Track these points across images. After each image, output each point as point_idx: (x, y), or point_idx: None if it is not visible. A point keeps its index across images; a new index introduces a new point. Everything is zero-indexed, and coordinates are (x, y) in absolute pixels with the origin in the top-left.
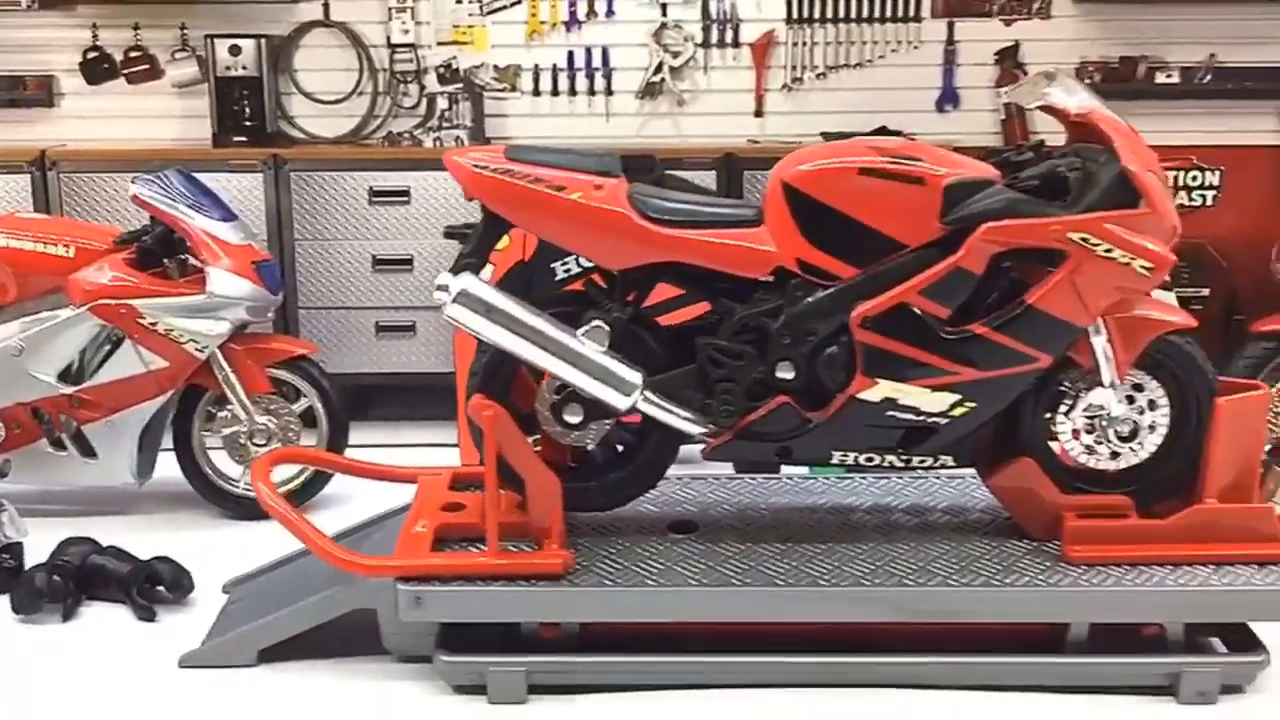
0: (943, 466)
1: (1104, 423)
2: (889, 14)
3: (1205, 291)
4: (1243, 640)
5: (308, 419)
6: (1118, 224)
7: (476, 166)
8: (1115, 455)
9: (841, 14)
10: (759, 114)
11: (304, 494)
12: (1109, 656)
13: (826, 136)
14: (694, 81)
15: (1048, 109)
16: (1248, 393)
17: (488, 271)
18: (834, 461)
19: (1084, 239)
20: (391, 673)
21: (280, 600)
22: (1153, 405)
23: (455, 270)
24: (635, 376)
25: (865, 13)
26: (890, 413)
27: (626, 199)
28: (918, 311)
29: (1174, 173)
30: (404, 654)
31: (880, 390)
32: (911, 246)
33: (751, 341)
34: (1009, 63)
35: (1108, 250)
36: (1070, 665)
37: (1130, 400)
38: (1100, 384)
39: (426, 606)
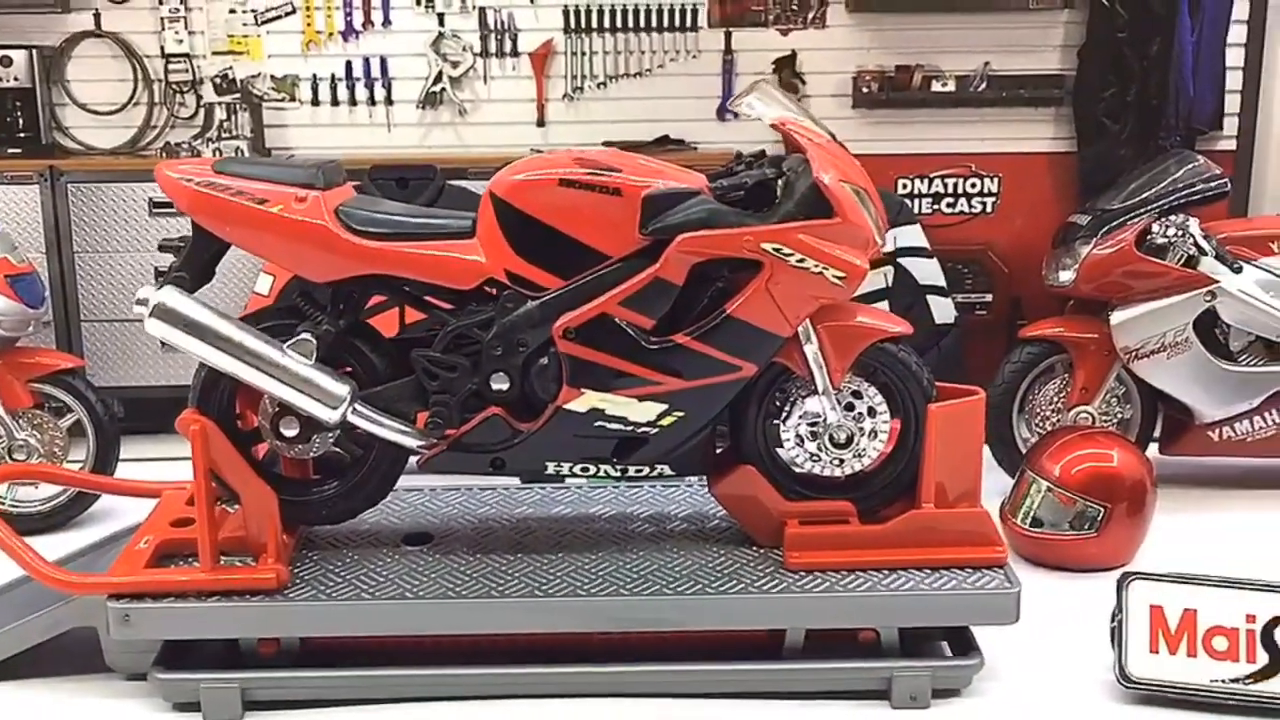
0: (660, 476)
1: (820, 430)
2: (666, 24)
3: (988, 297)
4: (964, 644)
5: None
6: (810, 234)
7: (184, 180)
8: (839, 462)
9: (619, 24)
10: (541, 123)
11: (69, 510)
12: (825, 662)
13: (608, 146)
14: (475, 91)
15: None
16: (964, 399)
17: (267, 283)
18: (549, 472)
19: (776, 249)
20: (116, 690)
21: (10, 618)
22: (872, 412)
23: (163, 284)
24: (342, 389)
25: (643, 22)
26: (599, 423)
27: (331, 212)
28: (619, 322)
29: (953, 180)
30: (127, 672)
31: (586, 401)
32: (615, 257)
33: (465, 353)
34: (787, 72)
35: (800, 260)
36: (787, 671)
37: (850, 408)
38: (815, 391)
39: (135, 624)
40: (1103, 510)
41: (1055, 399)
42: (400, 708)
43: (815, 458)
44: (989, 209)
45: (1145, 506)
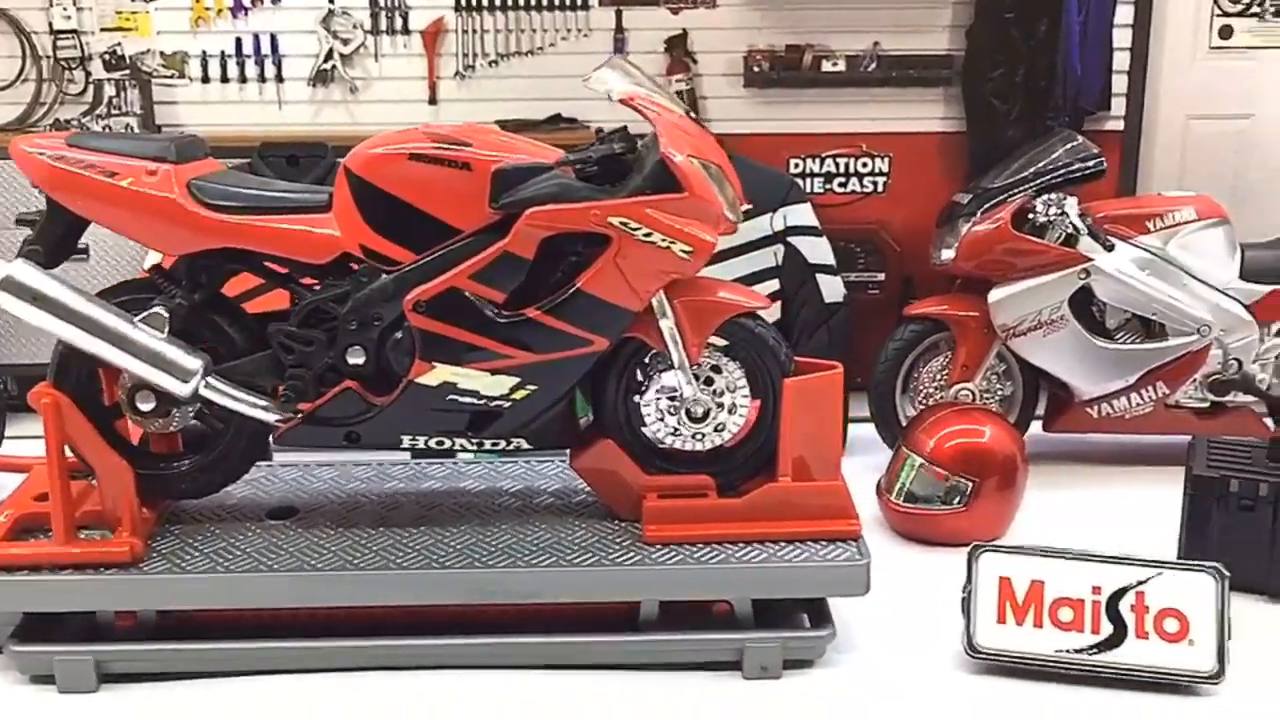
0: (517, 450)
1: (678, 404)
2: (557, 2)
3: (880, 276)
4: (821, 616)
5: None
6: (657, 209)
7: (37, 154)
8: (699, 436)
9: (510, 2)
10: (433, 101)
11: None
12: (678, 633)
13: (502, 125)
14: (366, 69)
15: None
16: (822, 373)
17: (155, 257)
18: (404, 445)
19: (623, 223)
20: None
21: None
22: (731, 387)
23: (17, 257)
24: (195, 363)
25: (533, 1)
26: (451, 396)
27: (182, 185)
28: (470, 296)
29: (845, 160)
30: None
31: (438, 374)
32: (466, 232)
33: (321, 328)
34: (678, 51)
35: (647, 234)
36: (641, 643)
37: (709, 383)
38: (672, 366)
39: None
40: (971, 485)
41: (938, 376)
42: (258, 680)
43: (676, 432)
44: (880, 188)
45: (1016, 482)
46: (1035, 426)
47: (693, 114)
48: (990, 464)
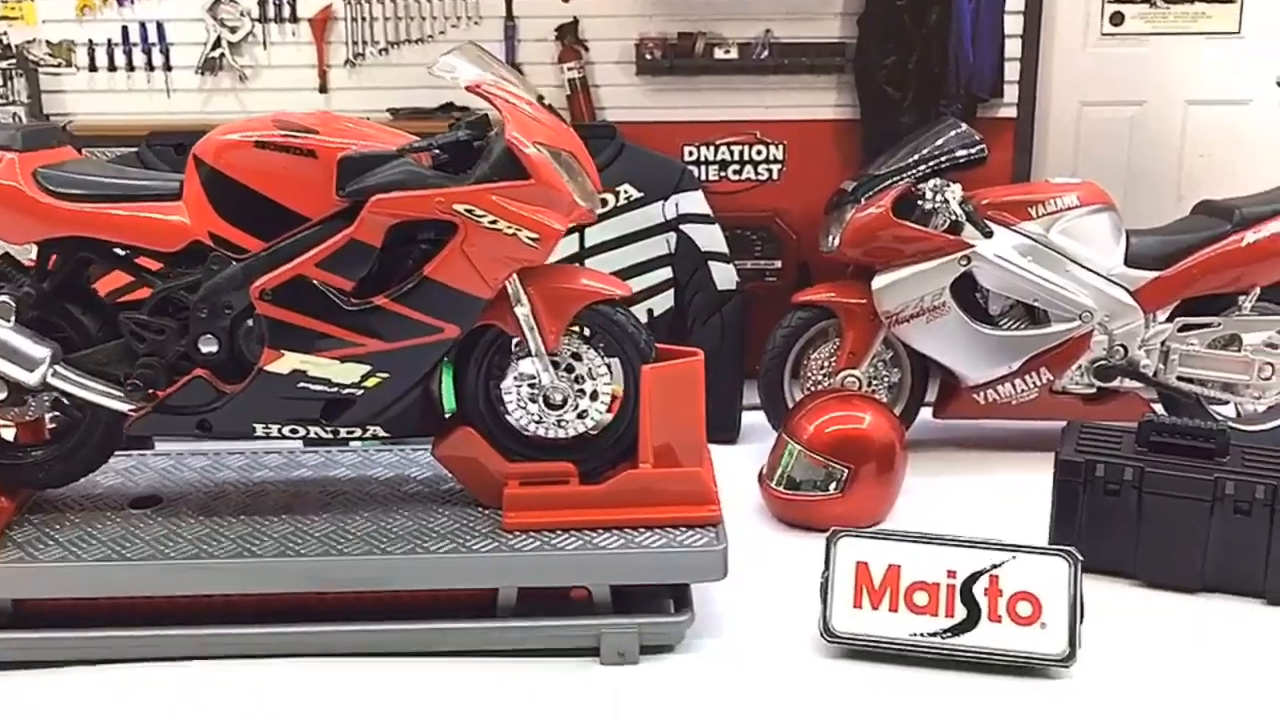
0: (374, 438)
1: (535, 391)
2: None
3: (777, 264)
4: (681, 601)
5: None
6: (502, 196)
7: None
8: (561, 424)
9: None
10: (323, 90)
11: None
12: (536, 620)
13: (394, 113)
14: (255, 57)
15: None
16: (682, 359)
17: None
18: (258, 434)
19: (469, 210)
20: None
21: None
22: (593, 374)
23: None
24: (42, 351)
25: None
26: (302, 385)
27: (27, 174)
28: (317, 284)
29: (739, 147)
30: None
31: (288, 362)
32: (314, 220)
33: (173, 316)
34: (569, 38)
35: (493, 221)
36: (499, 629)
37: (570, 369)
38: (529, 353)
39: None
40: (848, 471)
41: (826, 363)
42: (113, 669)
43: (537, 419)
44: (775, 176)
45: (894, 467)
46: (926, 413)
47: (545, 101)
48: (867, 450)
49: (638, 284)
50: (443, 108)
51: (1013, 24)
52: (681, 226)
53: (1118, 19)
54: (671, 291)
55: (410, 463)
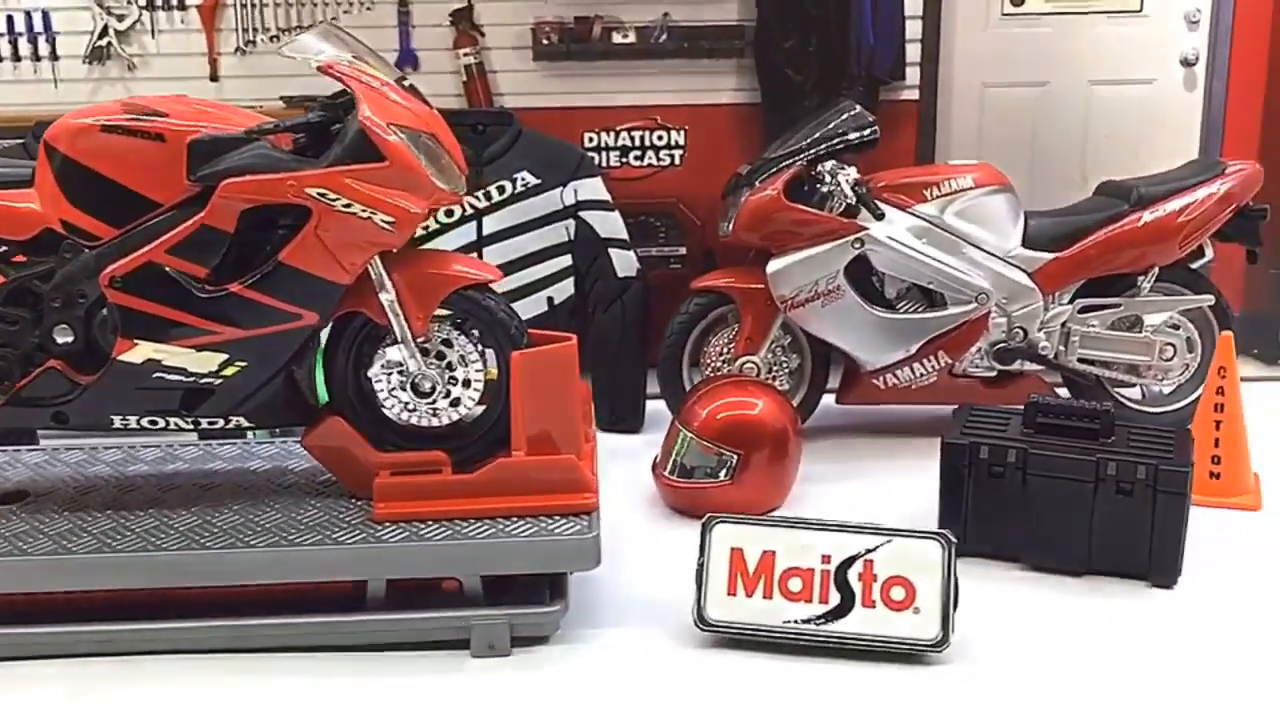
0: (238, 429)
1: (405, 379)
2: None
3: (682, 250)
4: (556, 591)
5: None
6: (356, 178)
7: None
8: (433, 412)
9: None
10: (214, 79)
11: None
12: (405, 612)
13: (287, 101)
14: (143, 45)
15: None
16: (553, 345)
17: None
18: (116, 425)
19: (322, 194)
20: None
21: None
22: (464, 360)
23: None
24: None
25: None
26: (158, 374)
27: None
28: (170, 271)
29: (640, 133)
30: None
31: (141, 351)
32: (166, 205)
33: (27, 306)
34: (464, 24)
35: (347, 205)
36: (368, 623)
37: (441, 356)
38: (396, 340)
39: None
40: (737, 457)
41: (725, 350)
42: None
43: (410, 407)
44: (677, 161)
45: (787, 454)
46: (830, 399)
47: (408, 83)
48: (759, 436)
49: (537, 272)
50: (334, 96)
51: (913, 5)
52: (581, 213)
53: None
54: (572, 279)
55: (289, 454)
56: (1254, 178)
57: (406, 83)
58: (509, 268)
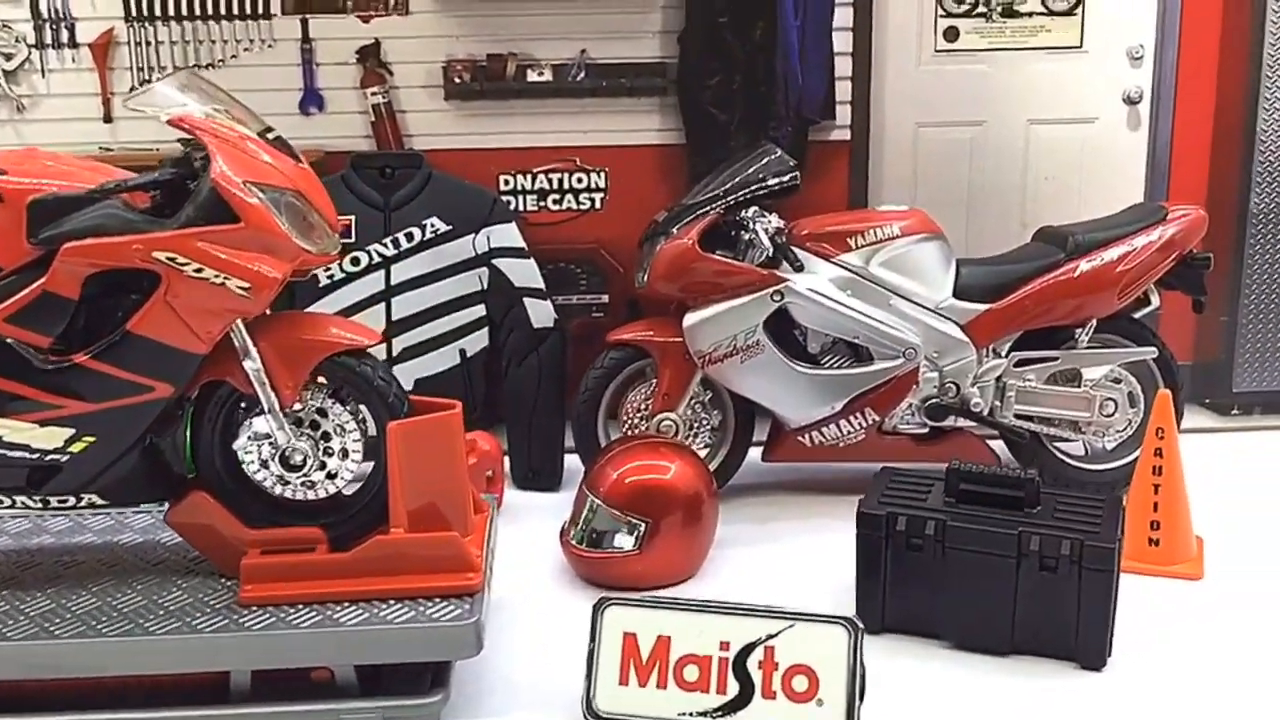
0: (90, 506)
1: (272, 451)
2: (236, 10)
3: (604, 298)
4: (438, 679)
5: None
6: (209, 241)
7: None
8: (309, 485)
9: (185, 11)
10: (108, 120)
11: None
12: (271, 705)
13: (185, 144)
14: (33, 86)
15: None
16: (435, 414)
17: None
18: None
19: (171, 258)
20: None
21: None
22: (340, 431)
23: None
24: None
25: (210, 9)
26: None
27: None
28: (9, 341)
29: (558, 175)
30: None
31: None
32: (6, 269)
33: None
34: (371, 61)
35: (198, 270)
36: (231, 717)
37: (315, 426)
38: (263, 411)
39: None
40: (645, 525)
41: (644, 406)
42: None
43: (282, 480)
44: (598, 205)
45: (700, 521)
46: (756, 452)
47: (274, 134)
48: (670, 502)
49: (449, 323)
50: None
51: (842, 41)
52: (494, 261)
53: (952, 34)
54: (485, 330)
55: (162, 527)
56: (1197, 224)
57: (273, 135)
58: (419, 319)
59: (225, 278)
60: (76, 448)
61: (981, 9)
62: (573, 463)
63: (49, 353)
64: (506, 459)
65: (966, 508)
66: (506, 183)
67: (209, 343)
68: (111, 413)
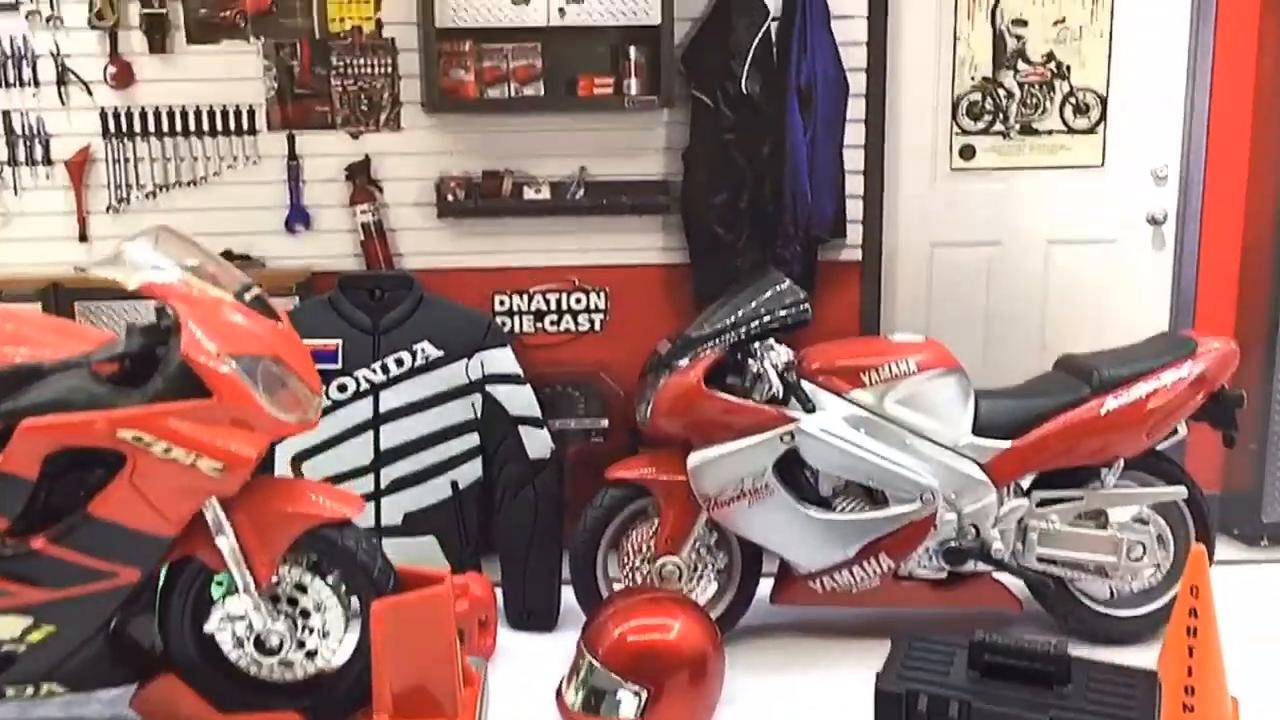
0: (50, 694)
1: (247, 633)
2: (220, 127)
3: (604, 423)
4: None
5: None
6: (180, 418)
7: None
8: (287, 665)
9: (165, 128)
10: (84, 239)
11: None
12: None
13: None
14: (5, 204)
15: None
16: (422, 590)
17: None
18: None
19: (138, 438)
20: None
21: None
22: (319, 608)
23: None
24: None
25: (192, 126)
26: None
27: None
28: None
29: (556, 295)
30: None
31: None
32: None
33: None
34: (361, 179)
35: (166, 450)
36: None
37: (294, 603)
38: (236, 590)
39: None
40: (648, 693)
41: (646, 546)
42: None
43: (258, 662)
44: (598, 326)
45: (705, 679)
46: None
47: (254, 294)
48: (674, 664)
49: (440, 453)
50: (222, 255)
51: (854, 158)
52: (488, 387)
53: (968, 153)
54: (479, 461)
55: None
56: (1228, 359)
57: (252, 294)
58: (409, 448)
59: (197, 457)
60: (35, 637)
61: (999, 127)
62: (570, 598)
63: (5, 536)
64: (499, 592)
65: (992, 684)
66: (502, 303)
67: (178, 525)
68: (72, 601)
